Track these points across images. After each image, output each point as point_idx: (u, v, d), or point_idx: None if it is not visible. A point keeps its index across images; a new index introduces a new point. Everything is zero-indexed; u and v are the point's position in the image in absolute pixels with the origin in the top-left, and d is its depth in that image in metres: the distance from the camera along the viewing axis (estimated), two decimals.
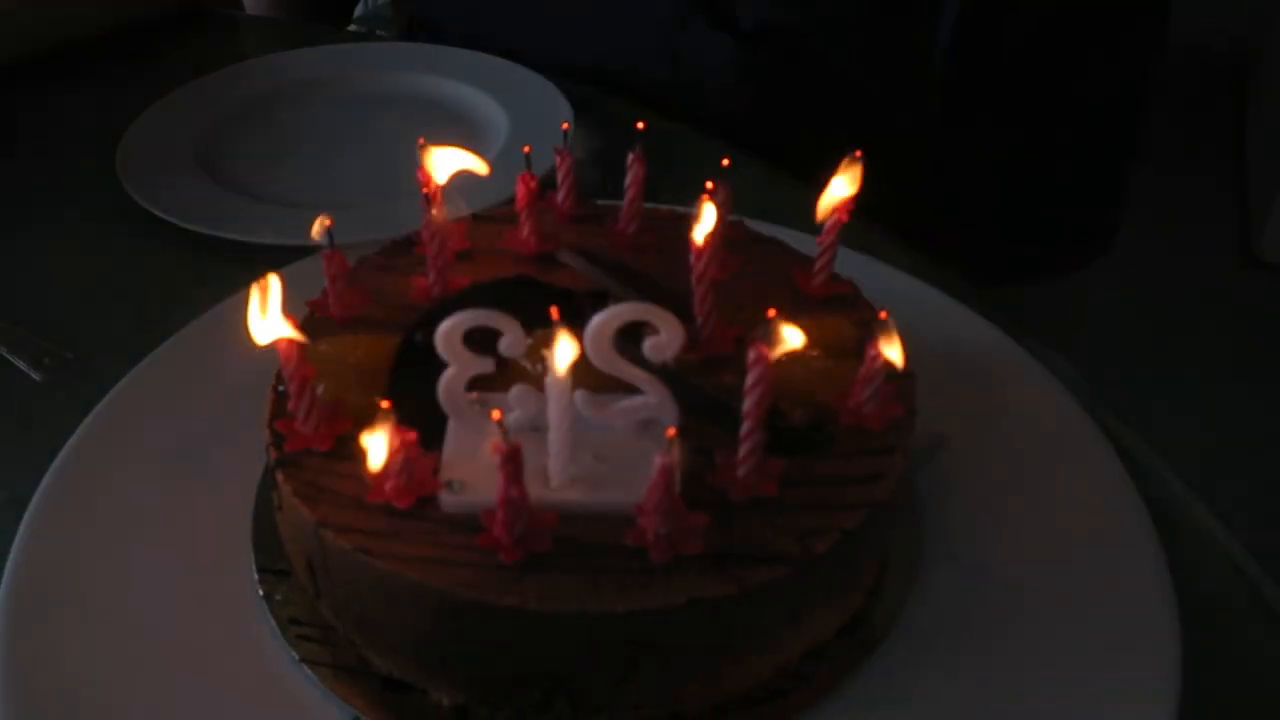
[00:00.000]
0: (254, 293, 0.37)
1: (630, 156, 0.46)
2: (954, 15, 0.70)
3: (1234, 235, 2.14)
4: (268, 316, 0.37)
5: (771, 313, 0.36)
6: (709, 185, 0.45)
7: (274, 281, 0.37)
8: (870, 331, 0.42)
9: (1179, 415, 1.77)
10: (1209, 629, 0.43)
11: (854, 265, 0.55)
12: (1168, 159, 2.27)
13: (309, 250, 0.45)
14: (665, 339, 0.36)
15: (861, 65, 0.72)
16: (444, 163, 0.44)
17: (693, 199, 0.46)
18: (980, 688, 0.39)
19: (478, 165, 0.44)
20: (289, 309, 0.39)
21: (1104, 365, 1.77)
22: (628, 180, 0.46)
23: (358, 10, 1.85)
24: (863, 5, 0.71)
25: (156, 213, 0.61)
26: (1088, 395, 0.52)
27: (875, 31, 0.71)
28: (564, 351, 0.34)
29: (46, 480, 0.45)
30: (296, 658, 0.39)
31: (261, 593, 0.41)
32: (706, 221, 0.43)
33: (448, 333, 0.36)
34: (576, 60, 0.78)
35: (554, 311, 0.34)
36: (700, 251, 0.40)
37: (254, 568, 0.42)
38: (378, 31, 1.79)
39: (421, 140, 0.44)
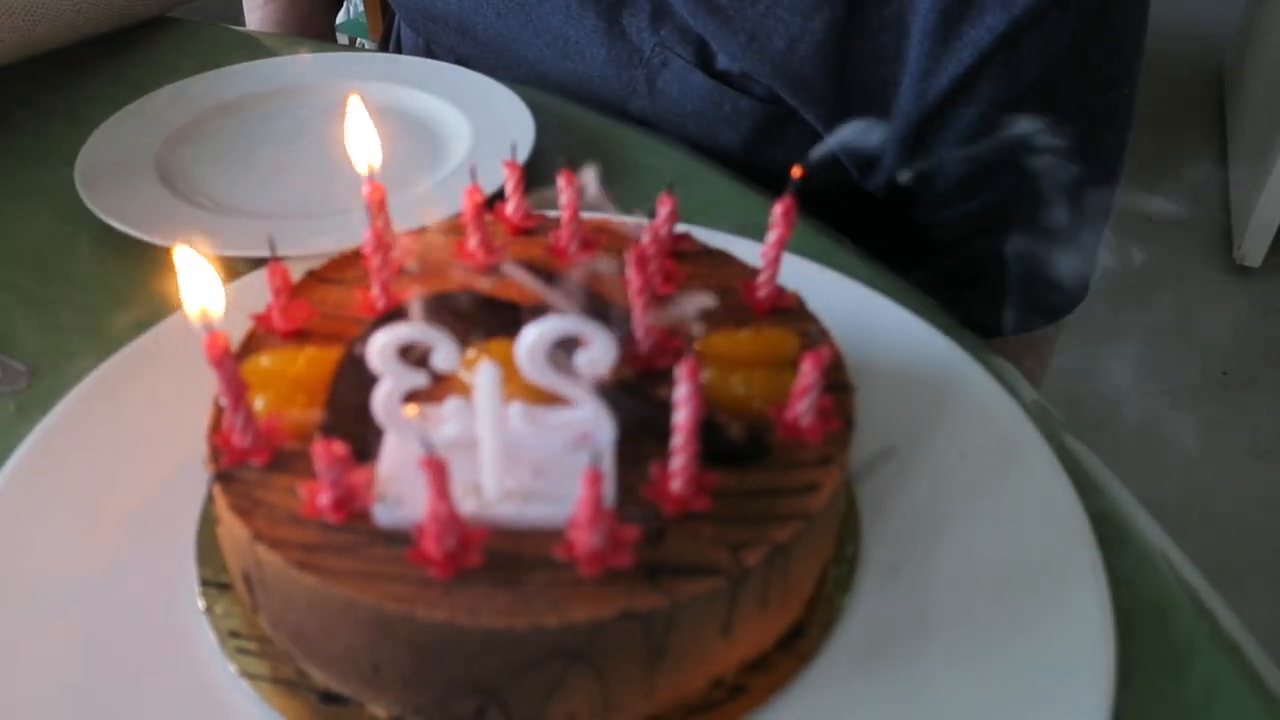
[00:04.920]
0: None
1: (560, 180, 0.46)
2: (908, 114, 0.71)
3: (1216, 241, 2.14)
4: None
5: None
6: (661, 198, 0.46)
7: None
8: (810, 343, 0.43)
9: (1162, 422, 1.78)
10: (1151, 638, 0.43)
11: (807, 275, 0.56)
12: (1149, 165, 2.28)
13: (267, 261, 0.45)
14: (597, 353, 0.36)
15: (828, 129, 0.73)
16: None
17: (653, 207, 0.46)
18: (918, 701, 0.39)
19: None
20: (234, 322, 0.39)
21: (1084, 372, 1.78)
22: (561, 202, 0.46)
23: (340, 17, 1.85)
24: (824, 85, 0.71)
25: (113, 223, 0.61)
26: (1039, 407, 0.52)
27: (840, 105, 0.72)
28: (488, 369, 0.34)
29: None
30: (235, 671, 0.39)
31: (203, 605, 0.42)
32: (645, 235, 0.44)
33: (381, 348, 0.36)
34: (556, 85, 0.79)
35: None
36: (637, 265, 0.40)
37: (197, 580, 0.42)
38: (360, 40, 1.80)
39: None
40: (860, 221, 0.71)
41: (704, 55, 0.75)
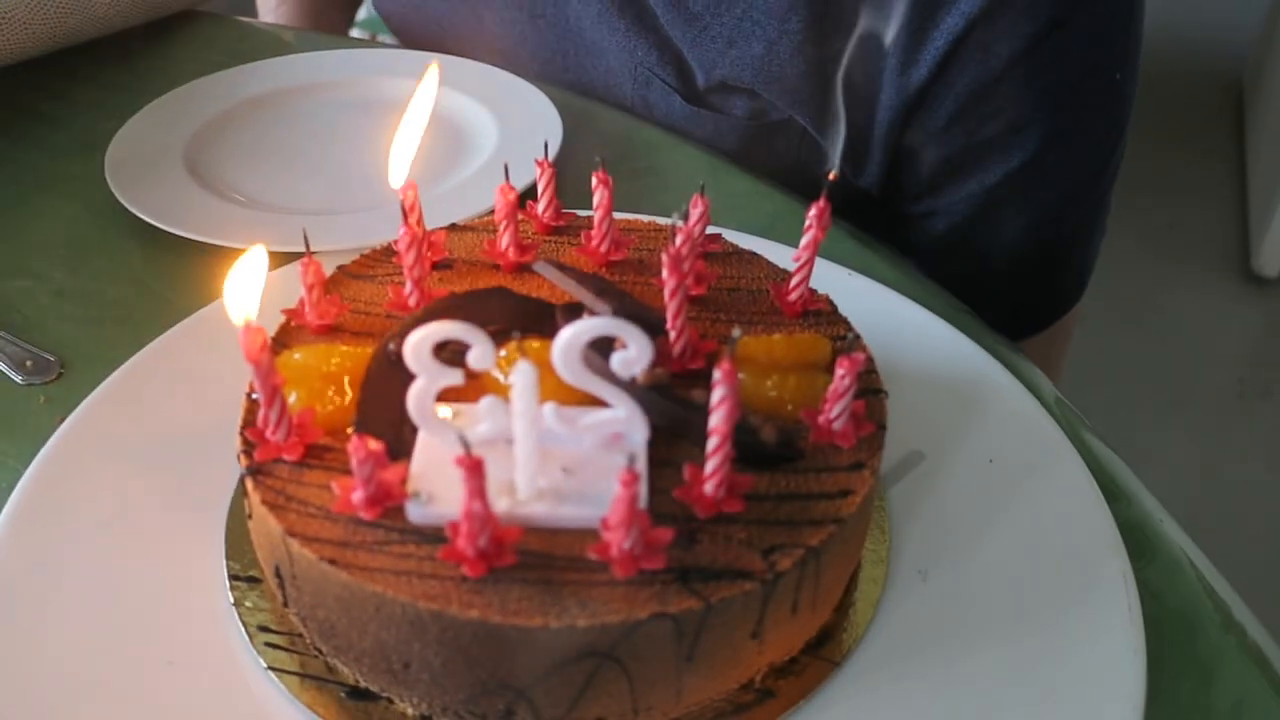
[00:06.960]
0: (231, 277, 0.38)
1: (594, 179, 0.46)
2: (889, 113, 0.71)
3: (1234, 251, 2.13)
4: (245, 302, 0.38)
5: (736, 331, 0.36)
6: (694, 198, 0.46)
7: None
8: (842, 347, 0.43)
9: (1178, 431, 1.77)
10: (1179, 648, 0.43)
11: (837, 278, 0.56)
12: (1167, 174, 2.27)
13: (295, 256, 0.45)
14: (633, 354, 0.36)
15: (816, 129, 0.74)
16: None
17: (679, 207, 0.46)
18: (945, 706, 0.39)
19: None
20: (266, 316, 0.39)
21: (1100, 381, 1.78)
22: (595, 202, 0.46)
23: (360, 14, 1.85)
24: (807, 85, 0.71)
25: (143, 217, 0.61)
26: (1065, 413, 0.52)
27: (825, 104, 0.72)
28: (526, 369, 0.34)
29: (23, 482, 0.45)
30: (264, 665, 0.40)
31: (232, 599, 0.42)
32: (679, 236, 0.44)
33: (416, 345, 0.36)
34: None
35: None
36: (671, 266, 0.40)
37: (226, 574, 0.43)
38: (379, 36, 1.80)
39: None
40: (862, 218, 0.71)
41: (683, 76, 0.75)
